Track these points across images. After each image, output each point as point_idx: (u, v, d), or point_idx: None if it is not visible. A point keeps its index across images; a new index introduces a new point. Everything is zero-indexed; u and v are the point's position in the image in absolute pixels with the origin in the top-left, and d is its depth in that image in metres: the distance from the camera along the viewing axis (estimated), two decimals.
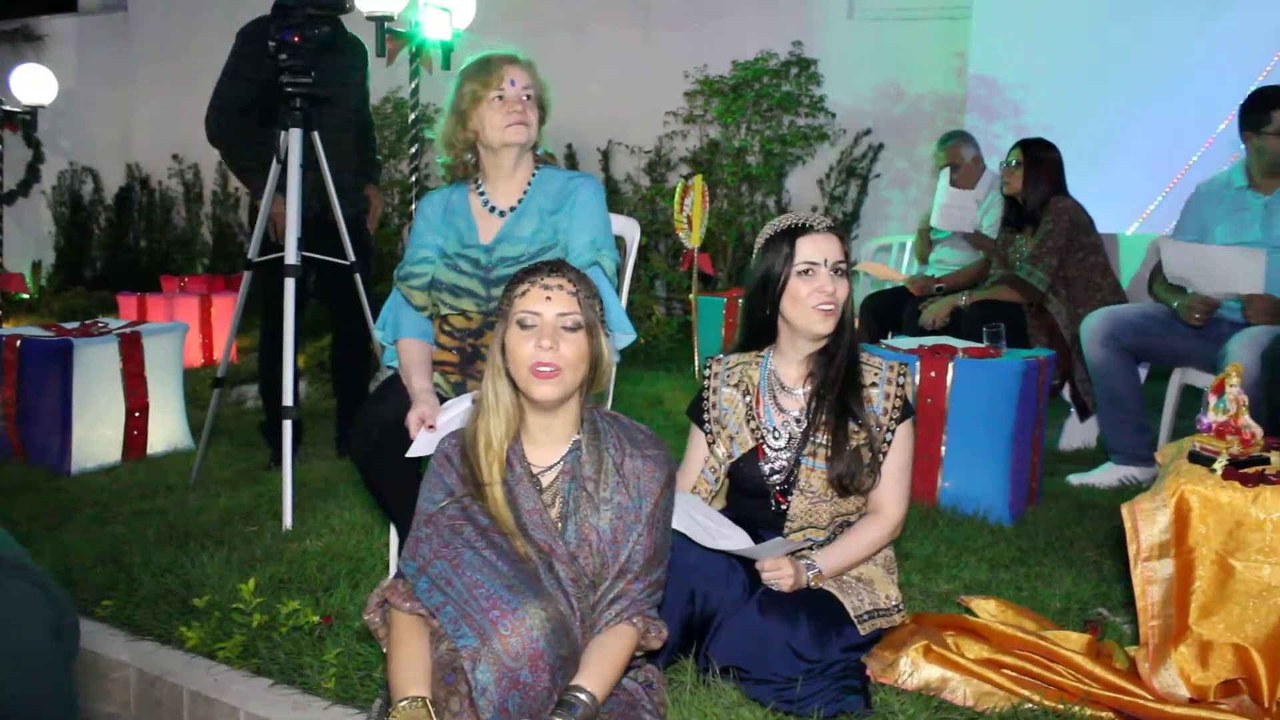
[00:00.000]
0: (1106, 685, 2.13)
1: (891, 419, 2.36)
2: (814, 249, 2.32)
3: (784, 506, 2.37)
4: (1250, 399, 2.30)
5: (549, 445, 2.00)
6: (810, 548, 2.33)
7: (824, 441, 2.33)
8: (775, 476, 2.38)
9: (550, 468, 1.99)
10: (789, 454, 2.37)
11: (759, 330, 2.44)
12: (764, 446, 2.40)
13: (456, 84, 2.71)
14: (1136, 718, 2.07)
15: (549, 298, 1.92)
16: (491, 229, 2.70)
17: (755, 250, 2.43)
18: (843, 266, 2.34)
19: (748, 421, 2.42)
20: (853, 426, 2.32)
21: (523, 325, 1.92)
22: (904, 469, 2.38)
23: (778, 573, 2.23)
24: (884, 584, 2.36)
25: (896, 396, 2.37)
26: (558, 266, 1.97)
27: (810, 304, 2.31)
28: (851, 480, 2.30)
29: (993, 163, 5.38)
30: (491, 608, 1.77)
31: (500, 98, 2.64)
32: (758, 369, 2.46)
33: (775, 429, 2.40)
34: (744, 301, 2.48)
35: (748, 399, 2.44)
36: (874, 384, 2.37)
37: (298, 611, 2.56)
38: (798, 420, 2.38)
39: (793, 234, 2.34)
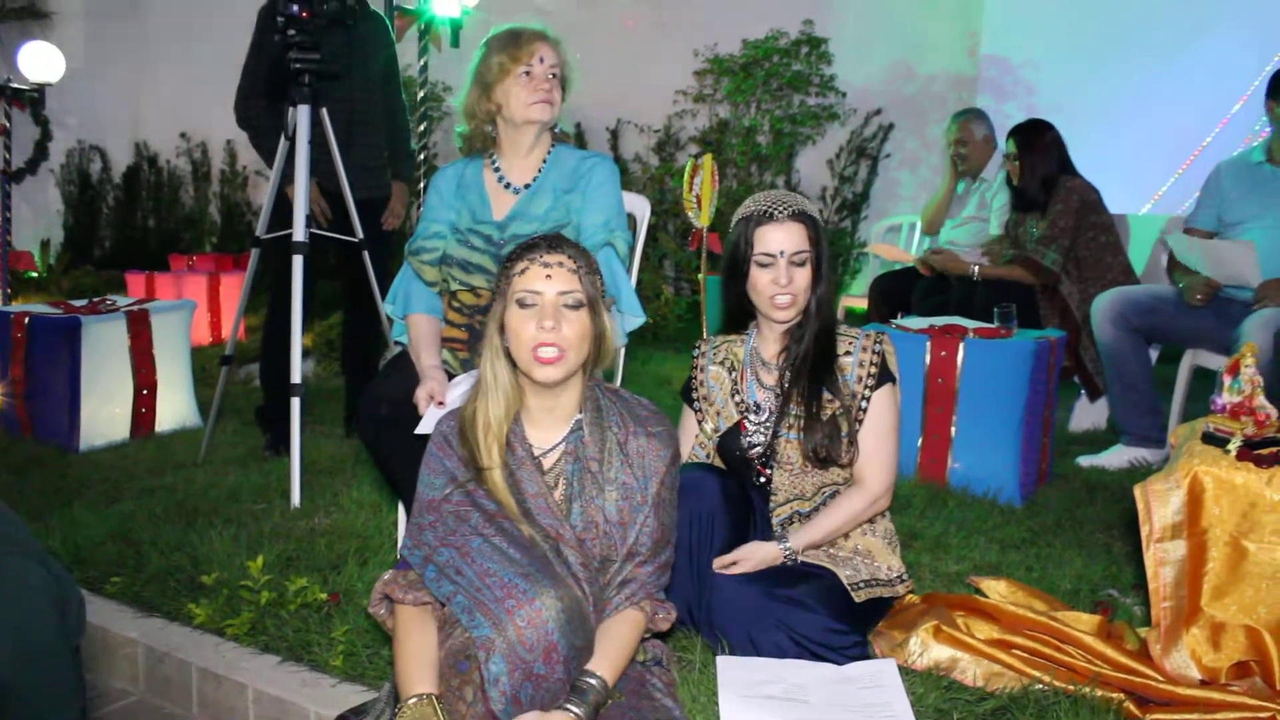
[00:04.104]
0: (1117, 666, 2.12)
1: (867, 386, 2.34)
2: (772, 240, 2.31)
3: (764, 479, 2.39)
4: (1264, 380, 2.28)
5: (550, 426, 1.94)
6: (797, 518, 2.35)
7: (798, 413, 2.33)
8: (755, 449, 2.40)
9: (552, 449, 1.94)
10: (767, 427, 2.38)
11: (735, 311, 2.46)
12: (745, 420, 2.42)
13: (482, 53, 2.68)
14: (1147, 699, 2.06)
15: (549, 275, 1.85)
16: (505, 205, 2.68)
17: (731, 226, 2.43)
18: (803, 256, 2.32)
19: (733, 396, 2.44)
20: (826, 396, 2.32)
21: (522, 305, 1.85)
22: (885, 436, 2.35)
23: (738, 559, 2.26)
24: (883, 555, 2.36)
25: (872, 364, 2.35)
26: (557, 242, 1.90)
27: (766, 295, 2.32)
28: (827, 451, 2.29)
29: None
30: (507, 596, 1.72)
31: (528, 73, 2.62)
32: (742, 346, 2.49)
33: (757, 403, 2.42)
34: (720, 283, 2.48)
35: (733, 375, 2.46)
36: (848, 353, 2.37)
37: (306, 589, 2.56)
38: (776, 395, 2.40)
39: (754, 222, 2.34)
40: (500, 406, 1.90)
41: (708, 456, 2.46)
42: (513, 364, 1.91)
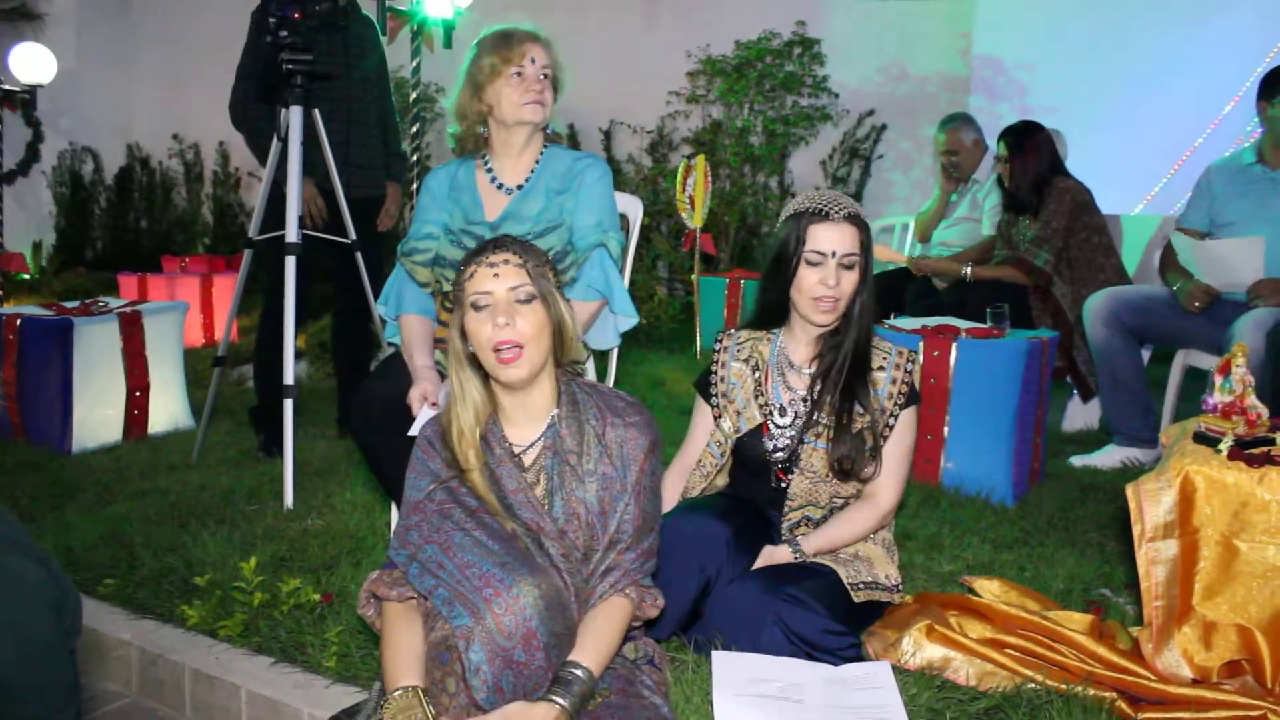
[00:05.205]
0: (1109, 665, 2.13)
1: (896, 404, 2.35)
2: (825, 239, 2.27)
3: (784, 484, 2.37)
4: (1256, 380, 2.29)
5: (527, 423, 1.96)
6: (806, 524, 2.36)
7: (827, 423, 2.32)
8: (778, 454, 2.38)
9: (531, 445, 1.95)
10: (793, 433, 2.37)
11: (772, 308, 2.41)
12: (770, 423, 2.39)
13: (473, 54, 2.68)
14: (1139, 698, 2.06)
15: (496, 274, 1.89)
16: (497, 206, 2.68)
17: (778, 222, 2.40)
18: (853, 259, 2.28)
19: (756, 397, 2.41)
20: (857, 409, 2.31)
21: (476, 307, 1.89)
22: (905, 456, 2.37)
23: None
24: (883, 564, 2.36)
25: (903, 383, 2.36)
26: (501, 242, 1.94)
27: (811, 296, 2.29)
28: (852, 465, 2.29)
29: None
30: (485, 585, 1.75)
31: (519, 74, 2.61)
32: (768, 345, 2.45)
33: (782, 406, 2.39)
34: (761, 278, 2.44)
35: (757, 375, 2.42)
36: (881, 368, 2.36)
37: (299, 590, 2.56)
38: (804, 400, 2.38)
39: (807, 219, 2.30)
40: (469, 413, 1.93)
41: (723, 455, 2.44)
42: (480, 369, 1.94)
